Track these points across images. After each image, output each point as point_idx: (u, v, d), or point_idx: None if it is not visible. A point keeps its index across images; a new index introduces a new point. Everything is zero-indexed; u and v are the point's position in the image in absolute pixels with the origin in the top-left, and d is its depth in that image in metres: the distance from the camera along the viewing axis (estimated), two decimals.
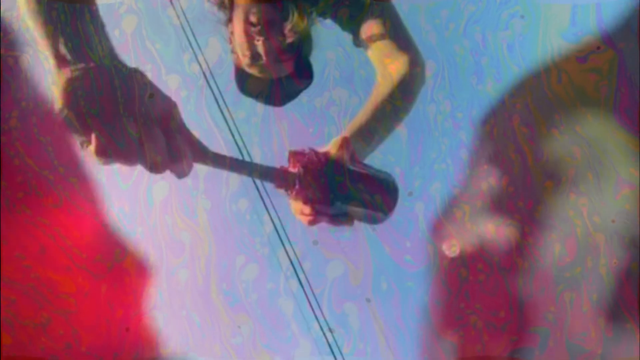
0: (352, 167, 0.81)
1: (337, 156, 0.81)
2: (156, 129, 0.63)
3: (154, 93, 0.64)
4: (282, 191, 0.81)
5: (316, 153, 0.81)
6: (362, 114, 1.01)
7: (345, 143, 0.82)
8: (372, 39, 1.25)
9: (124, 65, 0.67)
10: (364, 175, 0.82)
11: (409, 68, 1.15)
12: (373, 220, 0.87)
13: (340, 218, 0.84)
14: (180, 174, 0.69)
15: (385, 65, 1.19)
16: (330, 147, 0.84)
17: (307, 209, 0.82)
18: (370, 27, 1.25)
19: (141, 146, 0.62)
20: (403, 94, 1.12)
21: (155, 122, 0.64)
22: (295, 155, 0.80)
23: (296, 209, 0.84)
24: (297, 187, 0.79)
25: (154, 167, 0.65)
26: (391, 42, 1.22)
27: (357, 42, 1.30)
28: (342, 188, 0.80)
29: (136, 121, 0.62)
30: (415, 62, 1.17)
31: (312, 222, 0.84)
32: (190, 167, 0.70)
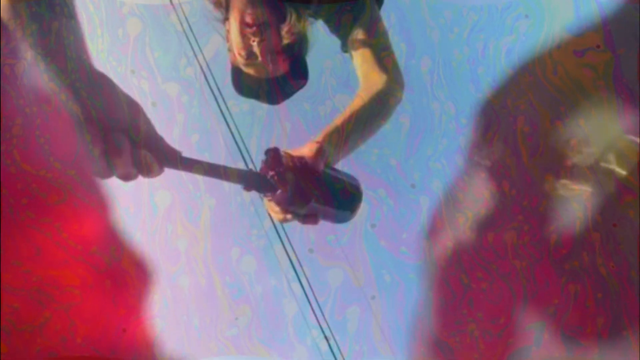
0: (326, 171, 0.89)
1: (312, 162, 0.86)
2: (122, 137, 0.62)
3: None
4: (255, 193, 0.87)
5: (292, 158, 0.85)
6: (336, 122, 1.05)
7: (320, 150, 0.87)
8: (359, 48, 1.25)
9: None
10: (335, 180, 0.91)
11: (387, 86, 1.18)
12: (339, 220, 0.95)
13: (310, 217, 0.91)
14: (151, 175, 0.69)
15: (367, 77, 1.20)
16: (305, 151, 0.88)
17: (277, 209, 0.88)
18: (360, 37, 1.26)
19: (109, 157, 0.61)
20: (378, 110, 1.15)
21: (120, 132, 0.61)
22: (271, 158, 0.85)
23: (269, 207, 0.90)
24: (271, 191, 0.84)
25: (126, 177, 0.64)
26: (376, 58, 1.23)
27: (345, 47, 1.30)
28: (315, 191, 0.87)
29: (101, 133, 0.60)
30: (394, 81, 1.20)
31: (283, 221, 0.92)
32: (160, 171, 0.71)
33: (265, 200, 0.89)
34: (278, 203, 0.87)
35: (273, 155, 0.86)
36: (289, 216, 0.89)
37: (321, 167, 0.88)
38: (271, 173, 0.84)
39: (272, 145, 0.88)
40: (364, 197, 0.94)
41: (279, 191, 0.84)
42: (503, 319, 0.19)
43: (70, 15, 0.64)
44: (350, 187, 0.93)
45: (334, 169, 0.92)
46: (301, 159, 0.88)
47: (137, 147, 0.66)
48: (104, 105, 0.59)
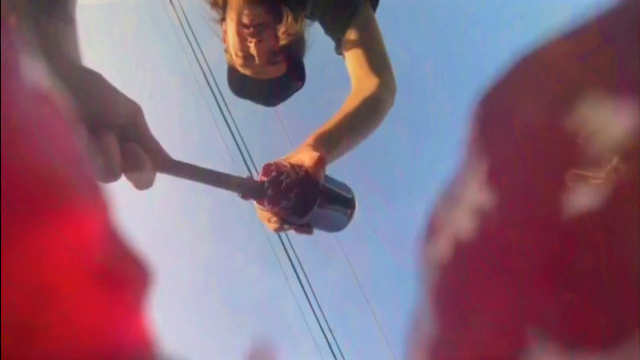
0: (323, 183, 0.83)
1: (313, 173, 0.80)
2: (110, 135, 0.57)
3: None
4: (251, 201, 0.80)
5: (292, 167, 0.80)
6: (329, 124, 1.00)
7: (323, 162, 0.81)
8: (353, 51, 1.21)
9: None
10: (331, 190, 0.85)
11: (379, 90, 1.12)
12: (334, 229, 0.90)
13: (305, 227, 0.85)
14: (141, 185, 0.64)
15: (360, 80, 1.16)
16: (306, 159, 0.82)
17: (274, 219, 0.82)
18: (353, 39, 1.22)
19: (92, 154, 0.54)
20: (370, 114, 1.09)
21: (110, 128, 0.57)
22: (270, 167, 0.79)
23: (263, 216, 0.84)
24: (268, 199, 0.78)
25: (107, 176, 0.58)
26: (369, 60, 1.18)
27: (339, 50, 1.27)
28: (313, 203, 0.81)
29: (87, 126, 0.54)
30: (387, 85, 1.15)
31: (277, 230, 0.85)
32: (153, 177, 0.65)
33: (258, 209, 0.83)
34: (276, 214, 0.83)
35: (271, 173, 0.78)
36: (286, 226, 0.83)
37: (322, 178, 0.82)
38: (270, 192, 0.79)
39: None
40: (361, 200, 0.91)
41: (278, 205, 0.78)
42: (503, 313, 0.19)
43: (66, 19, 0.61)
44: (345, 193, 0.90)
45: (328, 178, 0.88)
46: (301, 168, 0.81)
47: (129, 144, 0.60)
48: (98, 105, 0.55)
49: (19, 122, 0.18)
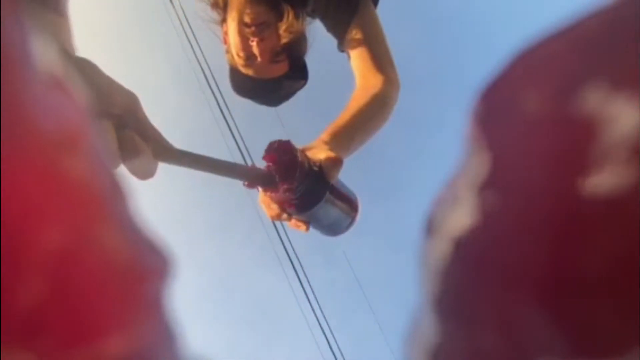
0: (332, 184, 0.83)
1: (329, 173, 0.80)
2: (106, 123, 0.56)
3: None
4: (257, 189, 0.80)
5: (308, 161, 0.80)
6: (341, 121, 0.99)
7: (340, 164, 0.81)
8: (356, 48, 1.21)
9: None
10: (338, 192, 0.85)
11: (385, 87, 1.12)
12: (333, 232, 0.89)
13: (302, 222, 0.85)
14: (142, 175, 0.62)
15: (365, 78, 1.16)
16: (322, 156, 0.81)
17: (274, 206, 0.82)
18: (356, 36, 1.21)
19: None
20: (376, 112, 1.09)
21: (106, 117, 0.56)
22: (286, 159, 0.77)
23: (264, 201, 0.84)
24: (277, 188, 0.77)
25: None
26: (373, 57, 1.18)
27: (341, 48, 1.26)
28: (319, 200, 0.81)
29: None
30: (392, 82, 1.15)
31: (275, 218, 0.85)
32: (154, 166, 0.64)
33: (262, 193, 0.82)
34: (279, 202, 0.82)
35: (287, 155, 0.76)
36: (284, 216, 0.83)
37: (335, 180, 0.82)
38: (282, 174, 0.76)
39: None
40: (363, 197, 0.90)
41: (285, 193, 0.78)
42: (505, 315, 0.18)
43: (59, 11, 0.61)
44: (350, 198, 0.89)
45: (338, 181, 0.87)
46: (316, 164, 0.80)
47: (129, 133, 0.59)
48: (94, 95, 0.55)
49: (35, 110, 0.18)
